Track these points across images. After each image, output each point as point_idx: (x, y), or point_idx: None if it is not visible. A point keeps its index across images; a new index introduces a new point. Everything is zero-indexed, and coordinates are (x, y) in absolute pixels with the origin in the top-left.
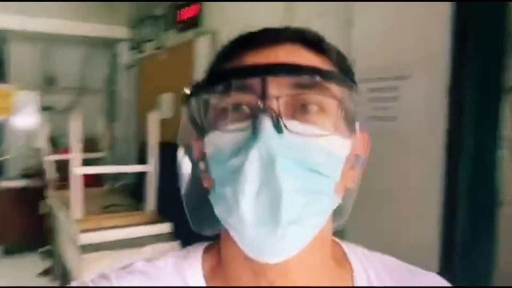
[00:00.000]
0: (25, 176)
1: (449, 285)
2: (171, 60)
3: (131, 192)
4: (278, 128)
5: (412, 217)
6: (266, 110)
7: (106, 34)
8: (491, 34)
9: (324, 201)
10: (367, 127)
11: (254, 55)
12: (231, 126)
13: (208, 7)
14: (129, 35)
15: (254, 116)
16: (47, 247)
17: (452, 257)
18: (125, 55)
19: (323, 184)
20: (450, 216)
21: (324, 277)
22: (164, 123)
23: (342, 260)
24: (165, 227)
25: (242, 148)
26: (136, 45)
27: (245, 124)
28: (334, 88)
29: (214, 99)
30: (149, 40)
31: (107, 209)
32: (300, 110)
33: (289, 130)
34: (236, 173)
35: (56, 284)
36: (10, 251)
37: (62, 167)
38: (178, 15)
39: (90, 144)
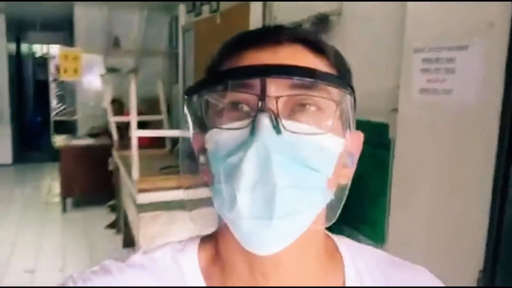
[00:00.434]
0: (94, 135)
1: (437, 280)
2: (226, 24)
3: (189, 154)
4: (277, 129)
5: (461, 197)
6: (265, 110)
7: None
8: None
9: (316, 196)
10: (421, 100)
11: (254, 54)
12: (231, 125)
13: None
14: None
15: (253, 116)
16: (113, 202)
17: (500, 240)
18: (183, 18)
19: (316, 179)
20: (502, 198)
21: (316, 269)
22: None
23: (333, 253)
24: None
25: (241, 146)
26: (192, 8)
27: (245, 122)
28: (331, 89)
29: (215, 98)
30: (206, 1)
31: (164, 171)
32: (297, 109)
33: (287, 130)
34: (234, 169)
35: (119, 237)
36: (78, 204)
37: (126, 128)
38: None
39: (154, 105)
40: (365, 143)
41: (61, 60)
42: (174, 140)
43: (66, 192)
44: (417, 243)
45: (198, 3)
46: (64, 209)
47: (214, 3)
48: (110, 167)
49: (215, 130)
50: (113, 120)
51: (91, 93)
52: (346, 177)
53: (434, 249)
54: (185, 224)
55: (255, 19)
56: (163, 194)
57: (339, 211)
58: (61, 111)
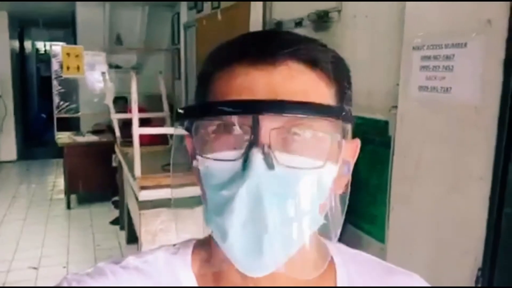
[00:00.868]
0: (98, 131)
1: (428, 285)
2: (227, 20)
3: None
4: (269, 164)
5: (460, 194)
6: (257, 144)
7: None
8: None
9: (308, 224)
10: (420, 98)
11: (246, 72)
12: (223, 154)
13: None
14: None
15: (245, 149)
16: (117, 198)
17: (498, 237)
18: (185, 15)
19: (309, 209)
20: (500, 196)
21: (308, 276)
22: None
23: (325, 256)
24: None
25: (233, 181)
26: (194, 5)
27: (237, 153)
28: (327, 119)
29: (205, 125)
30: None
31: (166, 167)
32: (291, 138)
33: (280, 164)
34: (226, 204)
35: (123, 233)
36: (83, 201)
37: (128, 125)
38: None
39: (156, 102)
40: (365, 140)
41: (64, 58)
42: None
43: (70, 189)
44: (417, 239)
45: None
46: (68, 205)
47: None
48: (114, 164)
49: (206, 156)
50: (115, 117)
51: (93, 90)
52: (342, 187)
53: (433, 246)
54: (186, 221)
55: (256, 16)
56: (164, 191)
57: (339, 230)
58: (64, 108)
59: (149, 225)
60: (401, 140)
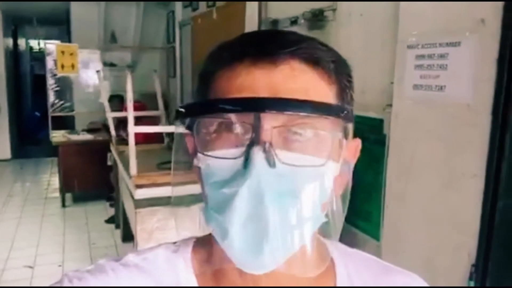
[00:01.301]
0: (93, 130)
1: (426, 285)
2: (223, 19)
3: (184, 151)
4: (271, 162)
5: (454, 191)
6: (259, 142)
7: None
8: None
9: (309, 223)
10: (415, 96)
11: (249, 70)
12: (224, 152)
13: None
14: None
15: (247, 147)
16: (113, 195)
17: (491, 233)
18: (180, 13)
19: (310, 208)
20: (493, 193)
21: (307, 275)
22: None
23: (325, 255)
24: None
25: (234, 179)
26: (189, 3)
27: (238, 151)
28: (329, 118)
29: (207, 124)
30: None
31: (161, 166)
32: (293, 137)
33: (281, 162)
34: (227, 203)
35: (118, 231)
36: (78, 199)
37: (123, 123)
38: None
39: (152, 100)
40: (360, 138)
41: (58, 56)
42: (172, 135)
43: (65, 187)
44: (411, 236)
45: None
46: (63, 204)
47: None
48: (109, 163)
49: (207, 154)
50: (110, 115)
51: (88, 89)
52: (342, 186)
53: (427, 242)
54: (183, 219)
55: (251, 14)
56: (160, 190)
57: (340, 229)
58: (58, 106)
59: (145, 223)
60: (396, 138)
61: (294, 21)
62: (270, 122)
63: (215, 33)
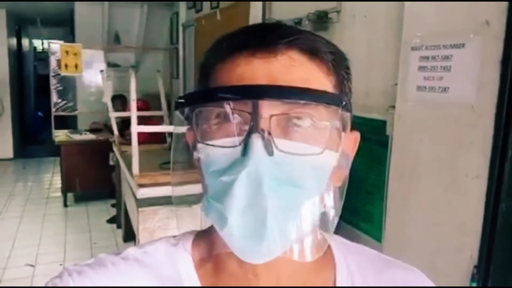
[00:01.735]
0: (95, 130)
1: (428, 280)
2: (226, 20)
3: (185, 150)
4: (269, 150)
5: (456, 193)
6: (257, 130)
7: None
8: None
9: (308, 212)
10: (418, 97)
11: (248, 61)
12: (223, 141)
13: None
14: None
15: (245, 136)
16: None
17: (494, 235)
18: (183, 14)
19: (308, 197)
20: (496, 194)
21: (307, 267)
22: None
23: (325, 251)
24: None
25: (233, 167)
26: (193, 5)
27: (237, 140)
28: (327, 107)
29: (206, 112)
30: None
31: (164, 166)
32: (291, 126)
33: (279, 150)
34: (226, 190)
35: (120, 231)
36: (80, 199)
37: (127, 123)
38: None
39: (155, 100)
40: (363, 139)
41: (62, 56)
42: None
43: (67, 187)
44: (413, 238)
45: None
46: (65, 204)
47: None
48: (111, 162)
49: (206, 143)
50: (113, 115)
51: (91, 89)
52: (341, 179)
53: (429, 244)
54: (184, 219)
55: (255, 15)
56: (162, 189)
57: (337, 220)
58: (61, 106)
59: (147, 222)
60: (399, 139)
61: (298, 23)
62: (269, 110)
63: (218, 34)
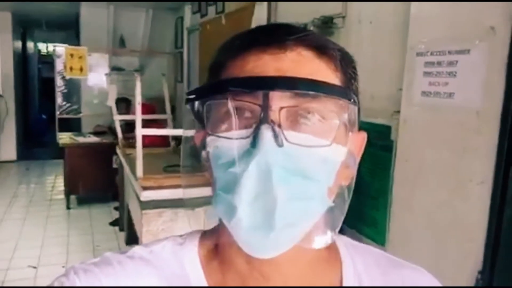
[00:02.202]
0: (99, 132)
1: (435, 280)
2: (231, 25)
3: (193, 153)
4: (279, 141)
5: (461, 198)
6: (267, 121)
7: None
8: None
9: (316, 205)
10: (423, 103)
11: (258, 57)
12: (232, 133)
13: None
14: None
15: (255, 127)
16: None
17: (498, 240)
18: (188, 18)
19: (317, 190)
20: (501, 200)
21: (313, 267)
22: None
23: (332, 251)
24: None
25: (243, 158)
26: (198, 9)
27: (247, 132)
28: (335, 99)
29: (216, 105)
30: (212, 1)
31: (168, 169)
32: (300, 119)
33: (289, 142)
34: (235, 181)
35: (123, 234)
36: (82, 201)
37: (131, 126)
38: None
39: (158, 104)
40: (368, 144)
41: (67, 58)
42: (178, 139)
43: (70, 189)
44: (417, 243)
45: (204, 4)
46: (68, 206)
47: (220, 4)
48: (115, 165)
49: (216, 136)
50: (117, 118)
51: (95, 92)
52: (348, 178)
53: (434, 250)
54: (187, 222)
55: (260, 21)
56: (166, 192)
57: (342, 218)
58: (66, 109)
59: (151, 225)
60: (403, 144)
61: (304, 26)
62: (279, 102)
63: (223, 39)
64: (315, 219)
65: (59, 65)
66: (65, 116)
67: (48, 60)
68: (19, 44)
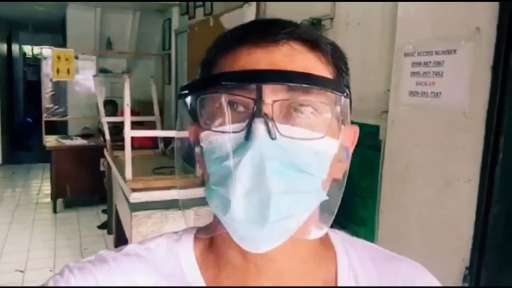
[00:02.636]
0: (86, 135)
1: (429, 274)
2: (220, 27)
3: (182, 155)
4: (272, 134)
5: (449, 196)
6: (260, 115)
7: None
8: None
9: (310, 198)
10: (411, 103)
11: (250, 51)
12: (226, 127)
13: None
14: None
15: (249, 121)
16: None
17: (485, 237)
18: (176, 20)
19: (310, 182)
20: (487, 197)
21: (308, 261)
22: None
23: (327, 244)
24: None
25: (236, 151)
26: (186, 11)
27: (240, 126)
28: (327, 92)
29: (209, 99)
30: (200, 1)
31: (156, 171)
32: (293, 112)
33: (282, 135)
34: (229, 174)
35: (111, 237)
36: (69, 205)
37: (118, 129)
38: None
39: (146, 106)
40: (356, 144)
41: (54, 61)
42: (166, 141)
43: (57, 193)
44: (406, 241)
45: (192, 6)
46: (54, 210)
47: (208, 6)
48: (103, 168)
49: (210, 131)
50: (105, 120)
51: (82, 94)
52: (341, 172)
53: (422, 246)
54: (177, 223)
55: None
56: (155, 194)
57: (335, 211)
58: (52, 111)
59: (141, 227)
60: (392, 144)
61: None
62: (271, 96)
63: (211, 40)
64: (309, 212)
65: (45, 67)
66: (51, 118)
67: (33, 63)
68: (4, 46)
